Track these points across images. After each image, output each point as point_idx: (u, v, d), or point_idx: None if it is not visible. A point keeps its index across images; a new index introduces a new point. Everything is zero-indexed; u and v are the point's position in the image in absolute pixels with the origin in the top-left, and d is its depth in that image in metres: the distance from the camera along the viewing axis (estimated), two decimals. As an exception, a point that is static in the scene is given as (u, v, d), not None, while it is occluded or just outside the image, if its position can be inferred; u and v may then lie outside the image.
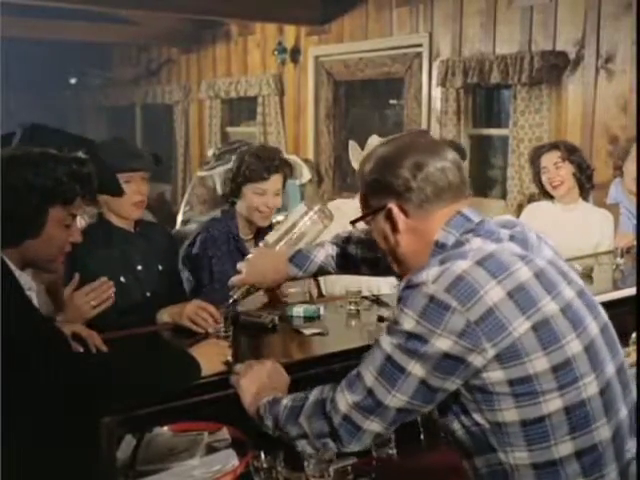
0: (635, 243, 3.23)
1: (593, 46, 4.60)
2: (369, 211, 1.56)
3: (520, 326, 1.34)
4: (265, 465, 1.84)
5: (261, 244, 2.31)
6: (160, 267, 2.64)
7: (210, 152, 7.04)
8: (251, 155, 2.82)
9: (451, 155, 1.52)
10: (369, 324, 2.41)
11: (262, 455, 1.84)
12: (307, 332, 2.28)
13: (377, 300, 2.65)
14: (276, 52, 6.84)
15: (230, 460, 1.91)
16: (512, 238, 1.47)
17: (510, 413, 1.36)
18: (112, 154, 2.46)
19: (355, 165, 3.06)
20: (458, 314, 1.33)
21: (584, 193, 3.58)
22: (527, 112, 4.87)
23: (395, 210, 1.49)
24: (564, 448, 1.36)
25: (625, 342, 2.56)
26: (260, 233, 2.97)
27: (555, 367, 1.35)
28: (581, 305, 1.43)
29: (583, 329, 1.40)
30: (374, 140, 3.11)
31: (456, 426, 1.45)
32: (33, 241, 1.71)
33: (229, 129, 7.89)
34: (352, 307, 2.54)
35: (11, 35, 6.77)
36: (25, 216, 1.68)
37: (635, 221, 3.68)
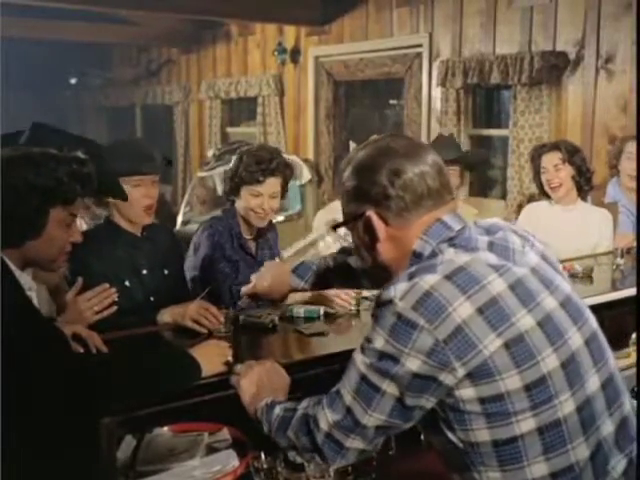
0: (635, 244, 3.23)
1: (593, 46, 4.60)
2: (348, 218, 1.51)
3: (491, 344, 1.29)
4: (265, 465, 1.83)
5: (277, 259, 2.34)
6: (166, 271, 2.63)
7: (210, 153, 7.05)
8: (249, 156, 2.82)
9: (431, 158, 1.46)
10: (369, 324, 2.41)
11: (262, 455, 1.84)
12: (308, 332, 2.28)
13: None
14: (276, 52, 6.84)
15: (230, 461, 1.91)
16: (491, 245, 1.41)
17: (482, 433, 1.33)
18: (122, 157, 2.45)
19: None
20: (426, 333, 1.29)
21: (582, 194, 3.59)
22: (527, 112, 4.87)
23: (374, 218, 1.44)
24: (538, 469, 1.32)
25: (625, 342, 2.56)
26: (261, 234, 2.97)
27: (528, 385, 1.30)
28: (564, 316, 1.37)
29: (563, 343, 1.34)
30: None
31: (435, 441, 1.44)
32: (34, 241, 1.71)
33: (229, 129, 7.89)
34: (353, 307, 2.54)
35: (11, 35, 6.78)
36: (26, 216, 1.68)
37: (634, 219, 3.68)
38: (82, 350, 1.93)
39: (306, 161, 6.51)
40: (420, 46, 5.67)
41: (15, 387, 1.53)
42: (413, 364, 1.30)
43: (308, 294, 2.61)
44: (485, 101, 5.69)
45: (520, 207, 4.65)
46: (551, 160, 3.51)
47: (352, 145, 3.15)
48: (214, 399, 1.84)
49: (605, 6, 4.52)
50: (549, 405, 1.31)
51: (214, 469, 1.87)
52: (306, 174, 6.39)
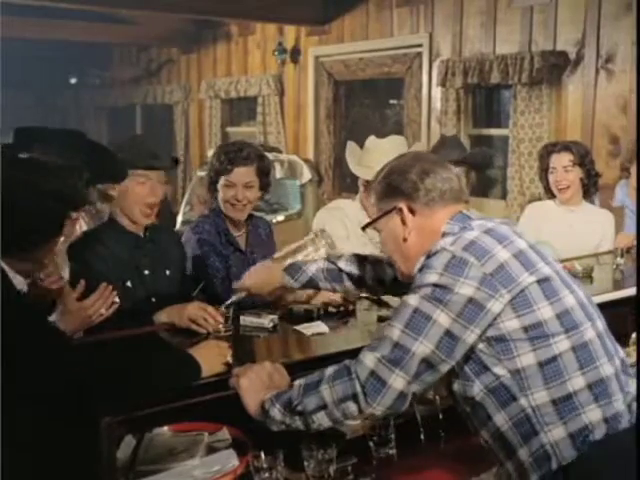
0: (635, 243, 3.23)
1: (593, 46, 4.60)
2: (381, 213, 1.78)
3: (526, 279, 1.57)
4: (265, 465, 1.83)
5: (268, 260, 2.44)
6: (167, 272, 2.63)
7: (210, 152, 7.05)
8: (219, 148, 2.92)
9: (454, 171, 1.80)
10: (369, 324, 2.41)
11: (262, 455, 1.84)
12: (308, 332, 2.28)
13: (378, 300, 2.65)
14: (276, 52, 6.84)
15: (230, 460, 1.91)
16: (503, 223, 1.73)
17: (527, 357, 1.55)
18: (129, 150, 2.46)
19: (351, 167, 3.05)
20: (475, 268, 1.55)
21: (588, 196, 3.57)
22: (527, 112, 4.87)
23: (404, 209, 1.71)
24: (577, 382, 1.56)
25: (625, 342, 2.56)
26: (250, 230, 2.97)
27: (558, 315, 1.57)
28: (566, 276, 1.68)
29: (572, 290, 1.64)
30: (372, 142, 3.10)
31: (476, 389, 1.60)
32: (45, 247, 1.71)
33: (229, 129, 7.89)
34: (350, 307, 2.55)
35: (11, 35, 6.77)
36: (48, 227, 1.68)
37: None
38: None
39: (306, 161, 6.51)
40: (420, 46, 5.67)
41: (15, 387, 1.53)
42: (467, 290, 1.54)
43: (306, 294, 2.63)
44: (485, 101, 5.69)
45: (520, 207, 4.66)
46: (561, 161, 3.47)
47: (349, 145, 3.15)
48: (214, 399, 1.83)
49: (605, 6, 4.52)
50: (576, 330, 1.58)
51: (214, 469, 1.87)
52: (306, 174, 6.39)
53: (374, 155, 2.94)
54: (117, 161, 2.27)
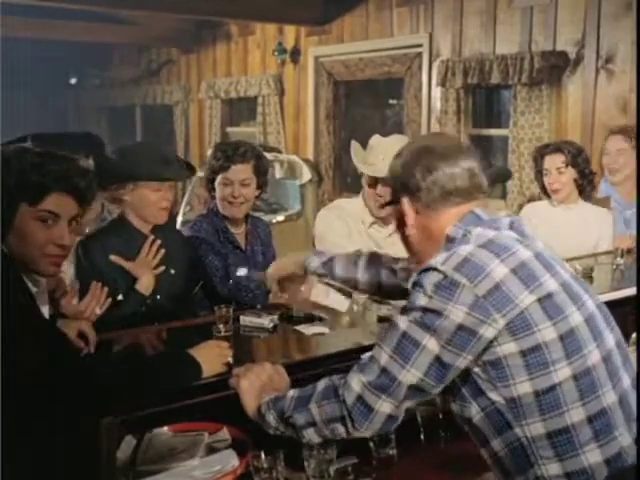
0: (635, 244, 3.23)
1: (593, 46, 4.60)
2: (389, 201, 1.75)
3: (525, 298, 1.45)
4: (265, 465, 1.84)
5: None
6: (172, 271, 2.64)
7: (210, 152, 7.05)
8: (216, 146, 2.96)
9: (465, 163, 1.63)
10: (369, 324, 2.41)
11: (262, 455, 1.84)
12: (308, 332, 2.28)
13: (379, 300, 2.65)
14: (276, 52, 6.84)
15: (230, 460, 1.91)
16: (511, 225, 1.60)
17: (523, 386, 1.45)
18: (146, 161, 2.49)
19: (357, 165, 3.05)
20: (467, 290, 1.44)
21: (584, 195, 3.57)
22: (527, 112, 4.87)
23: (406, 206, 1.64)
24: (576, 414, 1.45)
25: (625, 342, 2.56)
26: (250, 229, 2.98)
27: (562, 336, 1.46)
28: (577, 286, 1.56)
29: (582, 304, 1.52)
30: (376, 140, 3.10)
31: (473, 411, 1.53)
32: (9, 238, 1.64)
33: (229, 129, 7.89)
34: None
35: (11, 35, 6.77)
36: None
37: (625, 213, 3.69)
38: (84, 345, 1.94)
39: (306, 161, 6.51)
40: (420, 46, 5.67)
41: (15, 387, 1.53)
42: (457, 316, 1.44)
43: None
44: (485, 101, 5.69)
45: (520, 207, 4.65)
46: (554, 162, 3.47)
47: (353, 144, 3.15)
48: (214, 399, 1.83)
49: (605, 6, 4.52)
50: (580, 354, 1.47)
51: (214, 469, 1.87)
52: (306, 174, 6.39)
53: (379, 152, 2.94)
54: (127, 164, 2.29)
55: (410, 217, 1.64)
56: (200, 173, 6.63)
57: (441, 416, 2.21)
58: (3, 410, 1.52)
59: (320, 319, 2.42)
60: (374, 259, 2.21)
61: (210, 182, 2.92)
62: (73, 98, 9.94)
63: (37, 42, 7.92)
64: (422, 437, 2.20)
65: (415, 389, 1.49)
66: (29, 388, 1.56)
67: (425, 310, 1.46)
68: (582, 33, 4.65)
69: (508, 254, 1.49)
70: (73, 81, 9.80)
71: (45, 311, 1.82)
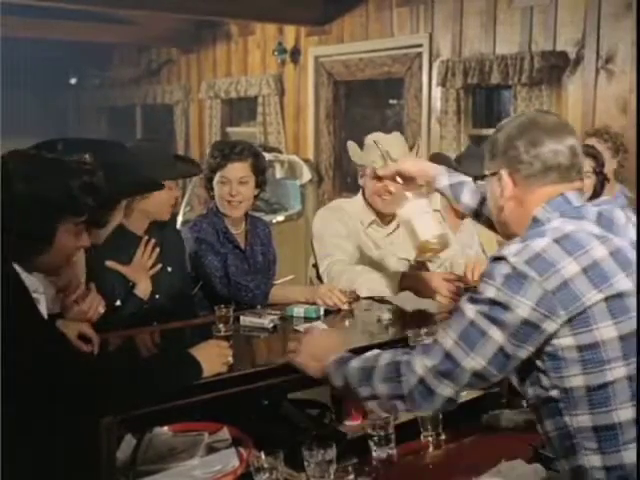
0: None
1: (593, 46, 4.60)
2: (486, 173, 1.72)
3: (593, 297, 1.46)
4: (265, 465, 1.84)
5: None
6: (169, 269, 2.64)
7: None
8: (214, 145, 2.98)
9: (570, 141, 1.62)
10: (369, 324, 2.41)
11: (262, 455, 1.85)
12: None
13: (381, 300, 2.66)
14: (276, 52, 6.84)
15: (230, 460, 1.91)
16: (599, 217, 1.59)
17: (576, 379, 1.49)
18: (162, 161, 2.50)
19: (358, 161, 3.05)
20: (536, 284, 1.46)
21: (595, 198, 3.54)
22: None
23: (505, 177, 1.64)
24: (624, 414, 1.48)
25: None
26: (249, 229, 2.98)
27: (622, 337, 1.47)
28: None
29: None
30: (376, 135, 3.10)
31: (531, 393, 1.59)
32: (43, 252, 1.68)
33: (229, 129, 7.88)
34: (345, 306, 2.55)
35: (11, 35, 6.77)
36: (35, 231, 1.65)
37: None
38: (85, 347, 1.94)
39: (306, 161, 6.50)
40: (420, 46, 5.67)
41: (15, 387, 1.53)
42: (523, 310, 1.46)
43: (301, 293, 2.65)
44: (485, 101, 5.69)
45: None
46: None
47: (350, 144, 3.14)
48: (214, 399, 1.84)
49: (605, 6, 4.51)
50: (637, 358, 1.47)
51: (214, 469, 1.87)
52: (306, 174, 6.39)
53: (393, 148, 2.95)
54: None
55: (508, 189, 1.64)
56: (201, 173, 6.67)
57: (441, 416, 2.21)
58: (3, 410, 1.52)
59: (319, 317, 2.43)
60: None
61: (209, 181, 2.93)
62: (73, 98, 9.93)
63: (37, 42, 7.91)
64: (422, 437, 2.20)
65: (477, 376, 1.54)
66: (29, 388, 1.56)
67: (493, 302, 1.50)
68: (582, 33, 4.65)
69: (581, 252, 1.49)
70: (73, 81, 9.80)
71: (44, 312, 1.82)
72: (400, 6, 5.79)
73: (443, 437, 2.20)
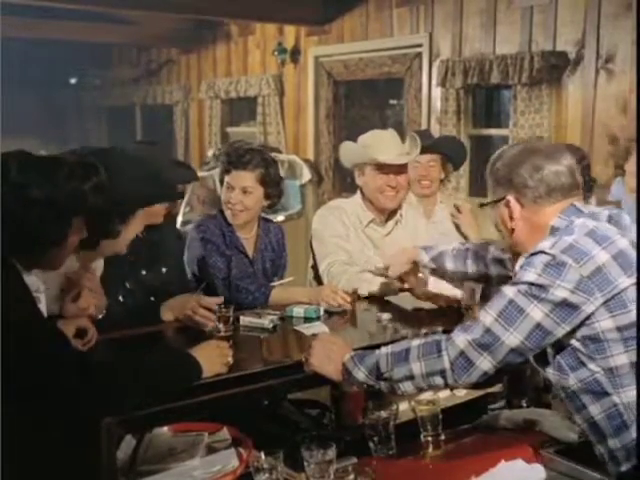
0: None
1: (593, 46, 4.60)
2: (494, 199, 1.87)
3: (624, 282, 1.63)
4: (265, 465, 1.84)
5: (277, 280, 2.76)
6: (164, 269, 2.62)
7: (210, 152, 7.05)
8: (224, 147, 2.90)
9: (567, 161, 1.80)
10: (369, 324, 2.41)
11: (262, 455, 1.84)
12: (308, 332, 2.28)
13: (381, 299, 2.66)
14: (276, 52, 6.84)
15: (230, 460, 1.91)
16: (610, 218, 1.77)
17: (620, 357, 1.65)
18: (163, 165, 2.45)
19: (346, 163, 3.08)
20: (573, 270, 1.62)
21: (584, 200, 3.54)
22: (527, 112, 4.87)
23: (512, 202, 1.80)
24: None
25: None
26: (260, 235, 2.96)
27: None
28: None
29: None
30: (384, 133, 3.12)
31: (571, 381, 1.71)
32: (54, 251, 1.71)
33: (229, 129, 7.88)
34: (348, 306, 2.55)
35: (11, 35, 6.77)
36: (49, 234, 1.67)
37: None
38: (82, 342, 1.94)
39: (306, 161, 6.50)
40: (420, 46, 5.67)
41: (15, 388, 1.53)
42: (563, 292, 1.62)
43: (304, 295, 2.64)
44: (485, 101, 5.69)
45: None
46: None
47: (345, 145, 3.15)
48: (214, 399, 1.83)
49: (605, 6, 4.51)
50: None
51: (214, 469, 1.87)
52: (306, 174, 6.39)
53: (395, 143, 2.97)
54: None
55: (516, 211, 1.80)
56: (200, 173, 6.66)
57: (441, 416, 2.21)
58: (3, 410, 1.52)
59: (319, 317, 2.42)
60: (481, 251, 2.40)
61: (221, 182, 2.90)
62: (73, 98, 9.93)
63: (37, 42, 7.91)
64: (422, 437, 2.20)
65: (514, 352, 1.67)
66: (29, 388, 1.56)
67: (532, 284, 1.65)
68: (582, 33, 4.65)
69: (609, 242, 1.67)
70: (73, 81, 9.79)
71: (44, 311, 1.82)
72: (400, 6, 5.79)
73: (443, 437, 2.19)
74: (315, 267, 2.99)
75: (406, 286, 2.63)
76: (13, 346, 1.52)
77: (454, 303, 2.57)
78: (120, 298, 2.42)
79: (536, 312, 1.64)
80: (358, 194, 3.10)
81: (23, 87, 8.69)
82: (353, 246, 2.95)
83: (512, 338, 1.66)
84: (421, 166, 3.47)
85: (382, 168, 2.93)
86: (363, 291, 2.70)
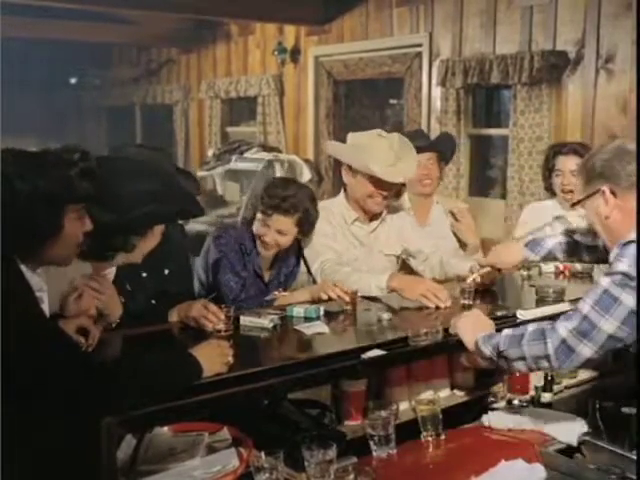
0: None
1: (593, 46, 4.60)
2: (589, 193, 2.05)
3: None
4: (265, 465, 1.83)
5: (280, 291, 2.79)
6: (166, 271, 2.59)
7: (210, 152, 7.05)
8: (269, 186, 2.84)
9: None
10: (369, 324, 2.41)
11: (262, 455, 1.84)
12: (308, 332, 2.28)
13: (371, 298, 2.66)
14: (276, 52, 6.84)
15: (230, 460, 1.91)
16: None
17: None
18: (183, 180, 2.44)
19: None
20: None
21: None
22: (527, 112, 4.87)
23: (607, 192, 1.99)
24: None
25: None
26: (277, 261, 2.94)
27: None
28: None
29: None
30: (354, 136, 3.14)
31: None
32: (53, 244, 1.72)
33: (229, 129, 7.89)
34: (349, 307, 2.55)
35: (11, 35, 6.77)
36: (42, 223, 1.68)
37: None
38: (85, 340, 1.94)
39: (306, 161, 6.50)
40: (420, 45, 5.67)
41: (16, 387, 1.53)
42: None
43: (305, 295, 2.66)
44: (485, 101, 5.69)
45: (520, 207, 4.65)
46: (568, 164, 3.38)
47: (332, 144, 3.16)
48: (214, 399, 1.83)
49: (605, 6, 4.51)
50: None
51: (214, 469, 1.87)
52: (306, 174, 6.39)
53: (390, 156, 2.96)
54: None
55: (610, 201, 1.99)
56: (201, 173, 6.66)
57: (441, 416, 2.21)
58: (3, 410, 1.52)
59: (319, 317, 2.42)
60: (573, 240, 2.59)
61: (251, 211, 2.86)
62: (73, 98, 9.93)
63: (37, 42, 7.91)
64: (422, 437, 2.20)
65: (612, 338, 1.83)
66: (30, 387, 1.56)
67: (625, 274, 1.82)
68: (582, 33, 4.65)
69: None
70: (73, 81, 9.79)
71: (47, 310, 1.82)
72: (400, 6, 5.79)
73: (443, 437, 2.19)
74: (307, 271, 3.00)
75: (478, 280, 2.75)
76: (14, 345, 1.52)
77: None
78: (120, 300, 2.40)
79: (629, 300, 1.80)
80: (342, 195, 3.15)
81: (23, 87, 8.69)
82: (341, 245, 2.97)
83: (608, 324, 1.81)
84: (422, 165, 3.41)
85: (376, 179, 2.93)
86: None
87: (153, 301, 2.50)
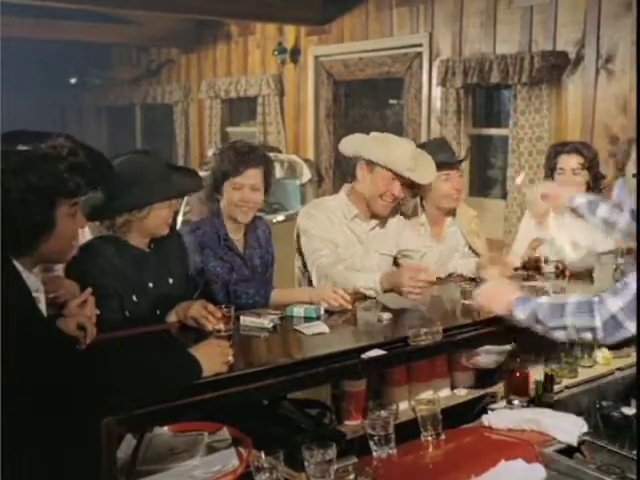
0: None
1: (593, 46, 4.60)
2: None
3: None
4: (265, 465, 1.83)
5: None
6: (171, 280, 2.56)
7: (210, 152, 7.05)
8: (228, 149, 2.87)
9: None
10: (369, 324, 2.41)
11: (262, 455, 1.84)
12: (308, 332, 2.28)
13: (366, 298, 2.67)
14: (276, 52, 6.84)
15: (230, 460, 1.91)
16: None
17: None
18: (155, 178, 2.42)
19: (349, 152, 3.07)
20: None
21: (592, 191, 3.54)
22: (527, 112, 4.87)
23: None
24: None
25: (625, 342, 2.56)
26: (248, 233, 2.95)
27: None
28: None
29: None
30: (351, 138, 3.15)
31: None
32: (47, 241, 1.72)
33: (229, 129, 7.89)
34: (349, 306, 2.54)
35: (11, 35, 6.77)
36: (36, 219, 1.69)
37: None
38: (82, 338, 1.94)
39: (306, 161, 6.51)
40: (420, 45, 5.67)
41: (16, 387, 1.53)
42: None
43: (304, 295, 2.65)
44: (485, 101, 5.69)
45: (520, 207, 4.65)
46: (570, 163, 3.41)
47: (352, 140, 3.15)
48: (214, 399, 1.83)
49: (605, 6, 4.52)
50: None
51: (214, 469, 1.87)
52: (306, 174, 6.39)
53: (416, 159, 2.98)
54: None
55: None
56: (201, 173, 6.64)
57: (441, 416, 2.21)
58: (3, 410, 1.52)
59: (319, 317, 2.42)
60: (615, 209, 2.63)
61: (217, 185, 2.85)
62: (73, 98, 9.93)
63: (37, 42, 7.91)
64: (422, 437, 2.20)
65: None
66: (29, 387, 1.56)
67: None
68: (582, 33, 4.65)
69: None
70: (73, 81, 9.80)
71: (44, 310, 1.82)
72: (400, 6, 5.80)
73: (443, 437, 2.19)
74: (304, 266, 3.00)
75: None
76: (13, 346, 1.52)
77: None
78: (127, 313, 2.36)
79: None
80: (343, 192, 3.15)
81: (23, 87, 8.69)
82: (339, 241, 2.96)
83: None
84: (453, 179, 3.27)
85: (397, 177, 2.94)
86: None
87: (158, 312, 2.46)
